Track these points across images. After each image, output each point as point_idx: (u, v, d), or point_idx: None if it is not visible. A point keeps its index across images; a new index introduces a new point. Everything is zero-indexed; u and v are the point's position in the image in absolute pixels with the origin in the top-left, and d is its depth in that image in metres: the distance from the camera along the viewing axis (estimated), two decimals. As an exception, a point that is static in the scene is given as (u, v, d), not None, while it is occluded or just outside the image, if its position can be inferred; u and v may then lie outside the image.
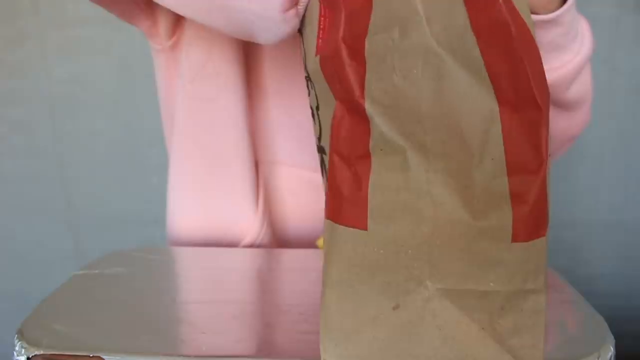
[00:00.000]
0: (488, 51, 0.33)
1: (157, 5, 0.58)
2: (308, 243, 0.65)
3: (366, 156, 0.35)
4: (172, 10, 0.48)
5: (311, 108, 0.42)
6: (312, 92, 0.41)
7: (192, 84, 0.62)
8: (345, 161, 0.35)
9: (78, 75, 1.14)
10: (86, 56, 1.12)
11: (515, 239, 0.33)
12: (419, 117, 0.33)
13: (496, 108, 0.33)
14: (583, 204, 1.13)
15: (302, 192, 0.66)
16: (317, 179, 0.63)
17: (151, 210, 1.14)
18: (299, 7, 0.42)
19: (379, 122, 0.34)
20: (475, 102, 0.33)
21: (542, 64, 0.34)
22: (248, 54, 0.63)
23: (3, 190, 1.18)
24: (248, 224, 0.64)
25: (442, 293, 0.35)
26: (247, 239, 0.64)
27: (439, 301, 0.35)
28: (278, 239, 0.68)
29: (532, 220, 0.33)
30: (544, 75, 0.34)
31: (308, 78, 0.41)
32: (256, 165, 0.65)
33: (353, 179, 0.35)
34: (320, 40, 0.38)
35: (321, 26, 0.38)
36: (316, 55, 0.38)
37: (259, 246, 0.65)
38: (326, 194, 0.36)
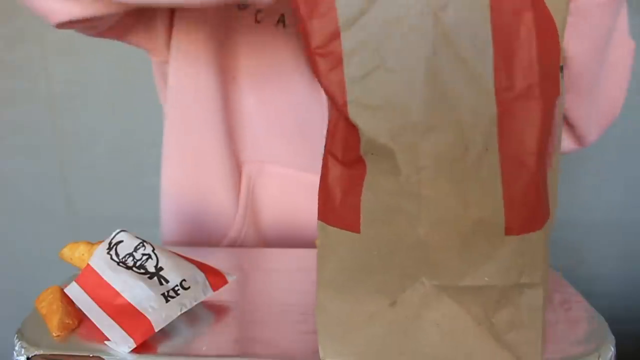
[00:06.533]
0: (500, 32, 0.31)
1: (153, 18, 0.60)
2: (307, 243, 0.65)
3: (360, 159, 0.34)
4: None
5: None
6: None
7: (171, 89, 0.64)
8: (340, 163, 0.35)
9: (78, 75, 1.14)
10: (86, 56, 1.12)
11: (508, 232, 0.33)
12: (409, 110, 0.32)
13: (493, 96, 0.32)
14: (583, 204, 1.13)
15: (295, 192, 0.66)
16: (306, 179, 0.64)
17: (151, 210, 1.13)
18: None
19: (365, 129, 0.33)
20: (471, 88, 0.32)
21: (559, 58, 0.33)
22: (225, 54, 0.63)
23: (3, 190, 1.18)
24: (229, 222, 0.66)
25: (438, 289, 0.34)
26: (231, 234, 0.66)
27: (435, 297, 0.35)
28: (276, 239, 0.68)
29: (524, 213, 0.33)
30: (557, 69, 0.33)
31: None
32: (241, 165, 0.66)
33: (347, 181, 0.35)
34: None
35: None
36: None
37: (241, 244, 0.66)
38: (319, 196, 0.36)
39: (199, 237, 0.68)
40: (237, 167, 0.66)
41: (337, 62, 0.33)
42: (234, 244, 0.67)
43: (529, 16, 0.31)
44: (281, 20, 0.60)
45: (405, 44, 0.32)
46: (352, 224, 0.35)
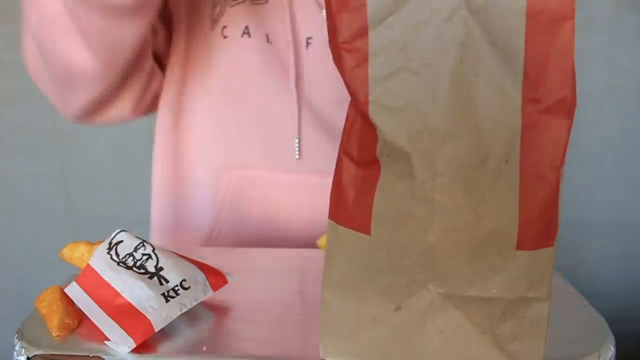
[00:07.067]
0: (534, 41, 0.30)
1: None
2: (307, 243, 0.65)
3: (375, 161, 0.34)
4: None
5: None
6: None
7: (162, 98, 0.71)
8: (354, 163, 0.35)
9: (78, 75, 1.14)
10: (86, 56, 1.12)
11: (520, 246, 0.33)
12: (429, 115, 0.32)
13: (519, 107, 0.31)
14: (583, 204, 1.13)
15: (273, 193, 0.68)
16: (290, 180, 0.66)
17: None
18: None
19: (383, 129, 0.33)
20: (497, 97, 0.31)
21: (574, 67, 0.31)
22: (198, 69, 0.68)
23: (3, 190, 1.18)
24: (203, 223, 0.69)
25: (444, 297, 0.34)
26: (204, 234, 0.69)
27: (440, 304, 0.34)
28: (275, 239, 0.68)
29: (539, 228, 0.33)
30: (574, 77, 0.31)
31: None
32: (222, 169, 0.69)
33: (360, 181, 0.35)
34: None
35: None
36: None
37: (213, 243, 0.69)
38: (331, 194, 0.36)
39: (176, 237, 0.72)
40: (216, 172, 0.69)
41: (363, 59, 0.32)
42: (207, 243, 0.69)
43: (569, 25, 0.30)
44: (246, 32, 0.65)
45: (432, 48, 0.31)
46: (363, 225, 0.35)
